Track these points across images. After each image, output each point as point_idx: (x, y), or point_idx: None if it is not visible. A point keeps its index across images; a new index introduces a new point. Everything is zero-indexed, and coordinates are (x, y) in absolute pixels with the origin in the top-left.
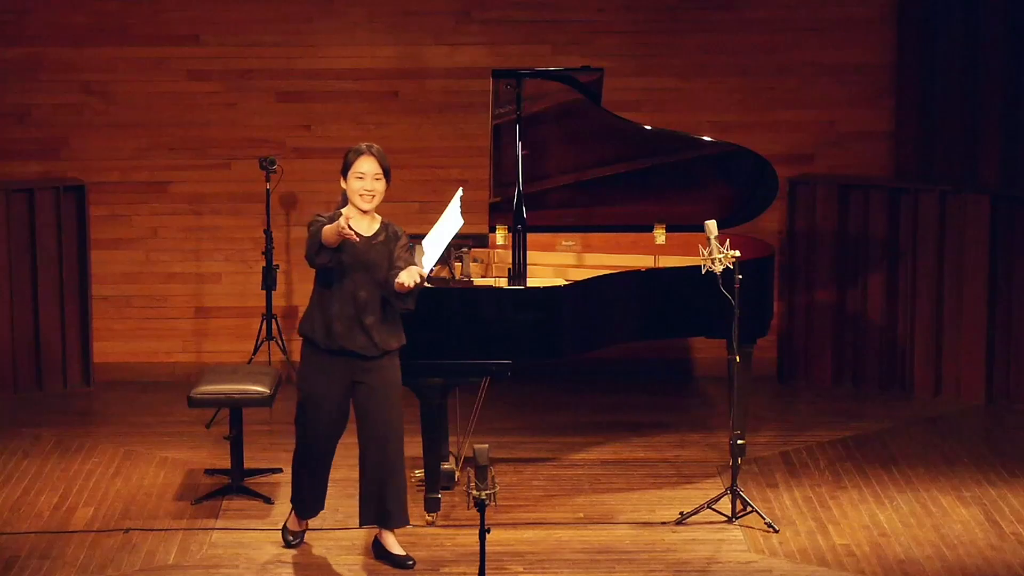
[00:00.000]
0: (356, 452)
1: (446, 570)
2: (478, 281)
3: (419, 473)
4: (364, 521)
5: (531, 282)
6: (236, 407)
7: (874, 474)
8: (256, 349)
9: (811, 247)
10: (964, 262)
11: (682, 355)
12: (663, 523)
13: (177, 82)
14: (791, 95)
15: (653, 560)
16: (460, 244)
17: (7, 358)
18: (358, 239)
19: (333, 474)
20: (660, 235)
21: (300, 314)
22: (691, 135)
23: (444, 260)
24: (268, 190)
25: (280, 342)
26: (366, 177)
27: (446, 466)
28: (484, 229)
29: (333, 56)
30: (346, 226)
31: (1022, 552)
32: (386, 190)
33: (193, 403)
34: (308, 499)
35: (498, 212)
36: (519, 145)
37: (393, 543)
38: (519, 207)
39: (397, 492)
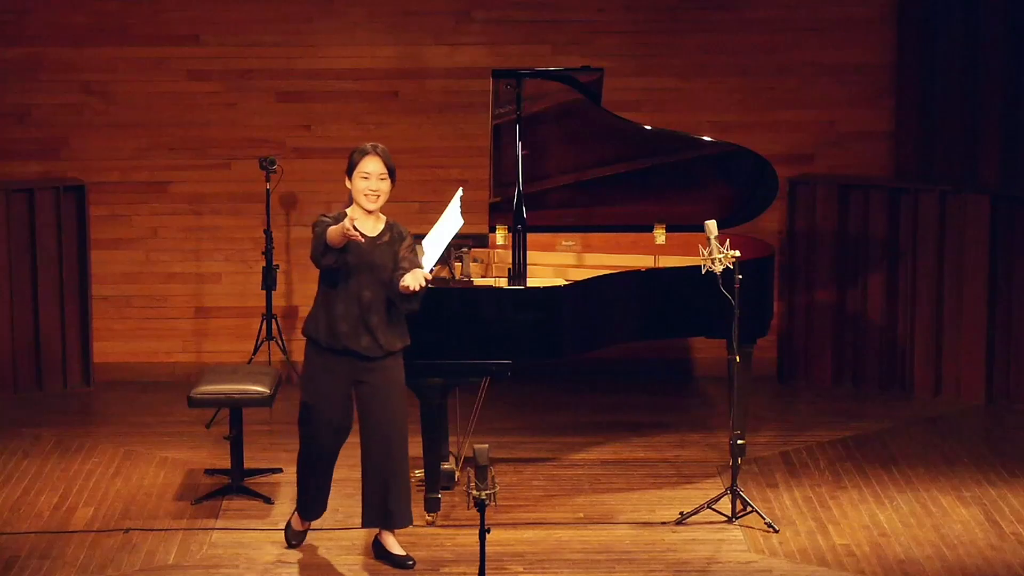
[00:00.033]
0: (356, 452)
1: (446, 570)
2: (478, 281)
3: (419, 473)
4: (367, 524)
5: (531, 282)
6: (236, 407)
7: (874, 474)
8: (256, 349)
9: (811, 247)
10: (964, 262)
11: (682, 355)
12: (663, 523)
13: (177, 82)
14: (791, 95)
15: (653, 560)
16: (460, 244)
17: (7, 358)
18: (363, 240)
19: (333, 474)
20: (660, 235)
21: (300, 314)
22: (691, 135)
23: (444, 260)
24: (268, 190)
25: (280, 342)
26: (371, 177)
27: (446, 466)
28: (484, 229)
29: (333, 56)
30: (351, 227)
31: (1022, 552)
32: (391, 190)
33: (193, 403)
34: (311, 501)
35: (498, 212)
36: (519, 145)
37: (393, 543)
38: (519, 207)
39: (400, 492)
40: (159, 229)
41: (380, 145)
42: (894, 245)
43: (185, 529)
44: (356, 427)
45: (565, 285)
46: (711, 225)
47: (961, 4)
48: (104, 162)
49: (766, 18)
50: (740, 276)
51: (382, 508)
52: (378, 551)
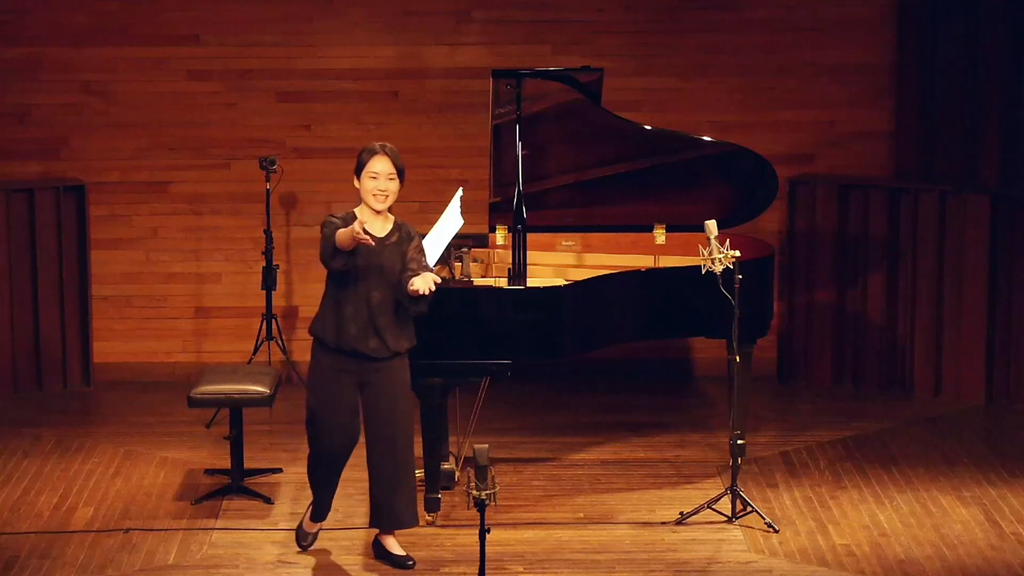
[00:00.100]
0: (359, 451)
1: (446, 570)
2: (478, 281)
3: (419, 473)
4: (375, 524)
5: (531, 282)
6: (236, 407)
7: (874, 474)
8: (256, 349)
9: (811, 247)
10: (964, 262)
11: (682, 355)
12: (663, 523)
13: (177, 82)
14: (791, 95)
15: (653, 560)
16: (460, 244)
17: (7, 358)
18: (373, 243)
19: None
20: (660, 235)
21: (300, 314)
22: (691, 135)
23: (444, 260)
24: (268, 190)
25: (280, 342)
26: (379, 177)
27: (446, 466)
28: (484, 229)
29: (333, 56)
30: (361, 231)
31: (1022, 552)
32: (399, 190)
33: (193, 403)
34: (320, 503)
35: (498, 212)
36: (519, 145)
37: (393, 543)
38: (519, 207)
39: (407, 494)
40: (159, 229)
41: (389, 145)
42: (894, 245)
43: (185, 529)
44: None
45: (565, 285)
46: (711, 225)
47: (961, 4)
48: (104, 162)
49: (766, 18)
50: (740, 276)
51: (389, 509)
52: (378, 551)
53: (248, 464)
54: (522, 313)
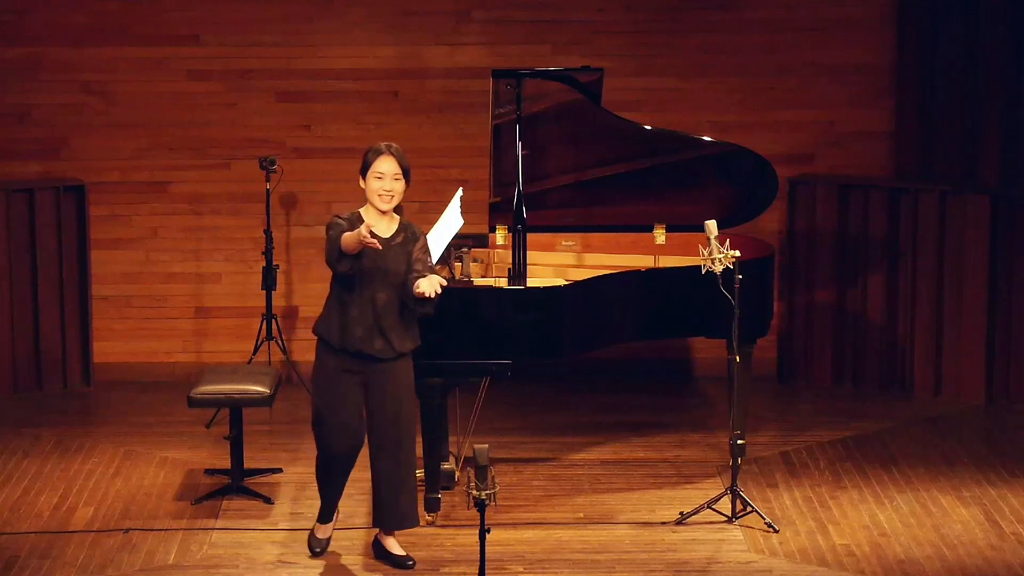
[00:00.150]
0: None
1: (446, 570)
2: (478, 281)
3: (419, 473)
4: (378, 524)
5: (531, 282)
6: (236, 407)
7: (874, 474)
8: (256, 349)
9: (811, 247)
10: (964, 262)
11: (682, 355)
12: (663, 523)
13: (177, 82)
14: (791, 95)
15: (653, 560)
16: (460, 244)
17: (7, 358)
18: (380, 247)
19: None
20: (660, 235)
21: (300, 314)
22: (691, 135)
23: (444, 260)
24: (268, 190)
25: (280, 342)
26: (385, 177)
27: (446, 466)
28: (484, 229)
29: (333, 56)
30: (367, 235)
31: (1022, 552)
32: (405, 190)
33: (193, 403)
34: (327, 505)
35: (498, 212)
36: (519, 145)
37: (393, 543)
38: (519, 207)
39: (410, 494)
40: (159, 229)
41: (394, 145)
42: (894, 245)
43: (185, 529)
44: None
45: (565, 285)
46: (711, 225)
47: (961, 4)
48: (104, 162)
49: (766, 18)
50: (740, 276)
51: (393, 509)
52: (378, 551)
53: (248, 464)
54: (522, 313)
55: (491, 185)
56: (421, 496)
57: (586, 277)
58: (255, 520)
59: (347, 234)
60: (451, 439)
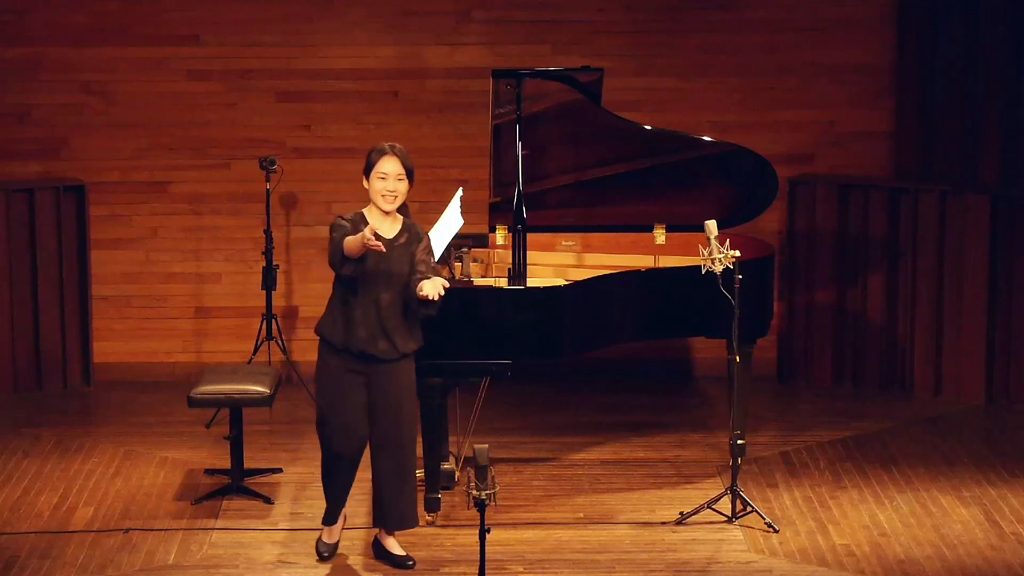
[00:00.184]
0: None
1: (446, 570)
2: (478, 281)
3: (419, 473)
4: (379, 524)
5: (531, 282)
6: (236, 407)
7: (874, 474)
8: (256, 349)
9: (811, 247)
10: (964, 262)
11: (682, 355)
12: (663, 523)
13: (177, 82)
14: (791, 95)
15: (653, 560)
16: (460, 244)
17: (7, 358)
18: (385, 249)
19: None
20: (660, 235)
21: (300, 314)
22: (691, 135)
23: (444, 260)
24: (268, 190)
25: (280, 342)
26: (388, 177)
27: (446, 466)
28: (484, 229)
29: (333, 56)
30: (372, 238)
31: (1022, 552)
32: (409, 191)
33: (193, 403)
34: (333, 507)
35: (498, 212)
36: (519, 145)
37: (393, 543)
38: (519, 207)
39: (410, 494)
40: (159, 229)
41: (398, 145)
42: (894, 245)
43: (185, 529)
44: None
45: (565, 285)
46: (711, 225)
47: (961, 4)
48: (104, 162)
49: (766, 18)
50: (740, 276)
51: (393, 509)
52: (378, 551)
53: (248, 464)
54: (522, 313)
55: (491, 185)
56: (421, 496)
57: (586, 277)
58: (255, 520)
59: (350, 238)
60: (451, 439)
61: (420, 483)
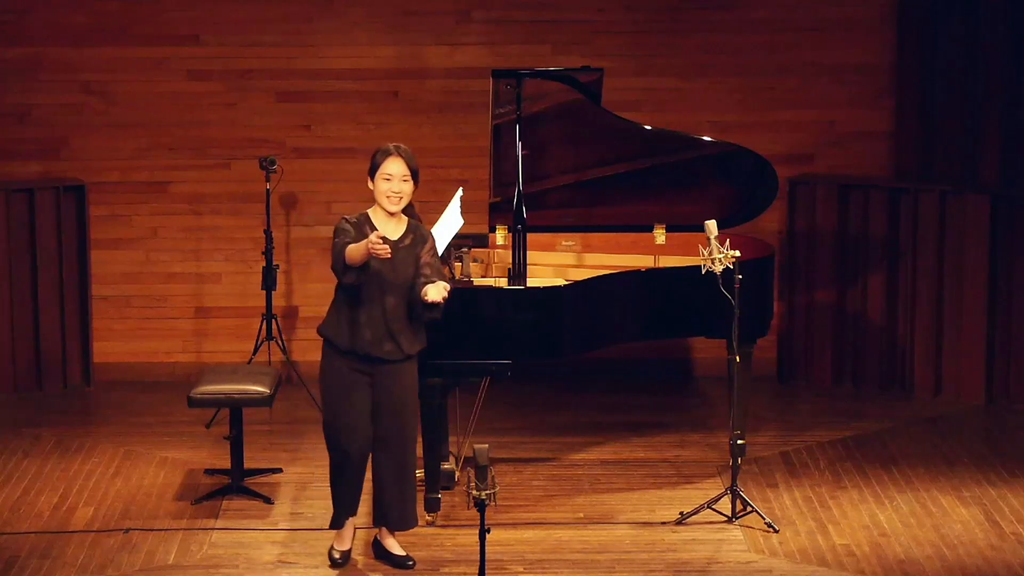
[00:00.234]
0: None
1: (446, 570)
2: (478, 281)
3: (419, 473)
4: (380, 524)
5: (531, 282)
6: (236, 407)
7: (874, 474)
8: (256, 349)
9: (811, 247)
10: (964, 262)
11: (682, 355)
12: (663, 523)
13: (177, 82)
14: (791, 95)
15: (653, 560)
16: (460, 244)
17: (7, 358)
18: (391, 255)
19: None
20: (660, 235)
21: (300, 314)
22: (691, 135)
23: (444, 260)
24: (268, 190)
25: (280, 342)
26: (393, 179)
27: (446, 466)
28: (484, 229)
29: (333, 56)
30: (378, 244)
31: (1022, 552)
32: (414, 191)
33: (193, 403)
34: (340, 510)
35: (498, 212)
36: (519, 145)
37: (393, 543)
38: (519, 207)
39: (411, 494)
40: (159, 229)
41: (403, 146)
42: (894, 245)
43: (185, 529)
44: None
45: (565, 285)
46: (711, 225)
47: (961, 4)
48: (104, 162)
49: (766, 18)
50: (740, 276)
51: (395, 509)
52: (378, 551)
53: (248, 464)
54: (522, 313)
55: (491, 185)
56: (421, 496)
57: (586, 277)
58: (255, 520)
59: (352, 246)
60: (451, 439)
61: (420, 483)
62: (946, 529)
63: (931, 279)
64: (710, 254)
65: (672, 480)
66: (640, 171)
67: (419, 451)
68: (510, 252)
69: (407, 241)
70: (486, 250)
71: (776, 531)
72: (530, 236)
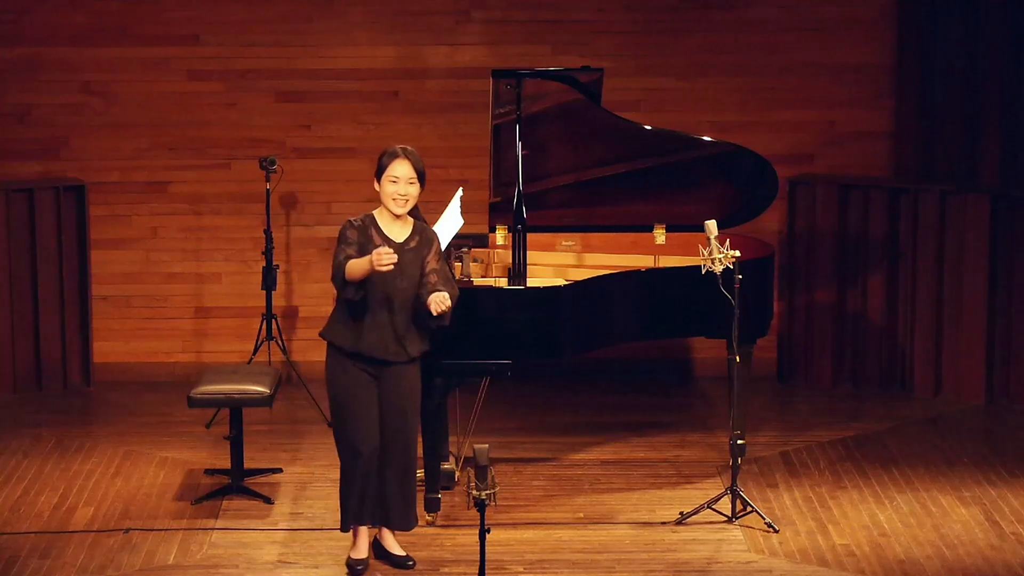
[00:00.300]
0: None
1: (446, 570)
2: (478, 281)
3: (419, 473)
4: (382, 524)
5: (531, 282)
6: (236, 407)
7: (874, 474)
8: (256, 349)
9: (811, 247)
10: (964, 262)
11: (682, 355)
12: (663, 523)
13: (177, 82)
14: (791, 95)
15: (653, 560)
16: (460, 244)
17: (7, 358)
18: (396, 264)
19: (332, 473)
20: (660, 235)
21: (300, 314)
22: (691, 135)
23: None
24: (268, 190)
25: (280, 342)
26: (400, 181)
27: (446, 466)
28: (484, 229)
29: (333, 56)
30: (382, 258)
31: (1022, 552)
32: (420, 194)
33: (193, 403)
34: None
35: (498, 212)
36: (519, 145)
37: (393, 543)
38: (519, 207)
39: (412, 495)
40: (159, 229)
41: (410, 148)
42: (894, 245)
43: (185, 529)
44: None
45: (565, 285)
46: (711, 225)
47: (961, 4)
48: (104, 162)
49: (766, 18)
50: (740, 276)
51: (398, 509)
52: (378, 551)
53: (248, 464)
54: (522, 313)
55: (491, 185)
56: (421, 496)
57: (586, 277)
58: (255, 520)
59: (354, 262)
60: (451, 439)
61: (420, 483)
62: (946, 529)
63: (931, 279)
64: (710, 254)
65: (672, 480)
66: (640, 171)
67: (419, 451)
68: (510, 252)
69: (413, 243)
70: (486, 250)
71: (776, 531)
72: (530, 236)
